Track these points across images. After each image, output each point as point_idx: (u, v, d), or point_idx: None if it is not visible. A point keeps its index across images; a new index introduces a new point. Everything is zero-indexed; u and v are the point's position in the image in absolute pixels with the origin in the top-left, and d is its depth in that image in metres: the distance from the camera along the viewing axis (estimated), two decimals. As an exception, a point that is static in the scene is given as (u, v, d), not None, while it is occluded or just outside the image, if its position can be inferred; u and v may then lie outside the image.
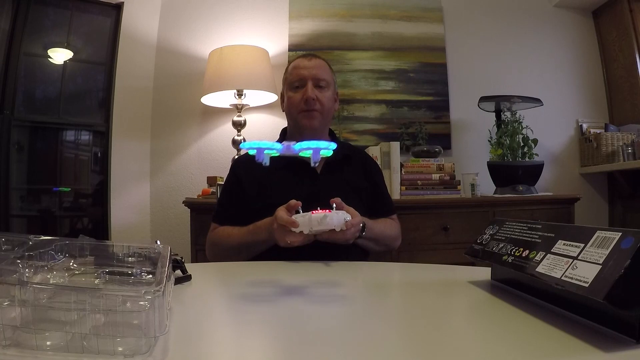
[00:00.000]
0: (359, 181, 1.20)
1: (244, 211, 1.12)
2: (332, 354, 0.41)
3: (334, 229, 0.89)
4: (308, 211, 0.90)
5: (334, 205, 0.91)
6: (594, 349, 0.40)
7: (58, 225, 2.26)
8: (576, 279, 0.43)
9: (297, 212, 0.92)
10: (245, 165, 1.21)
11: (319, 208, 0.90)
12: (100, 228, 2.25)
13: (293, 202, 0.93)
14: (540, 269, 0.49)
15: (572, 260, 0.46)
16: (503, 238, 0.63)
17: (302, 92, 1.14)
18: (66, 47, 2.26)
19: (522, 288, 0.59)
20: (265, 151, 0.56)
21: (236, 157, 1.99)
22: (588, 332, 0.44)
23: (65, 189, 2.17)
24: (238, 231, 1.08)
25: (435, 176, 2.07)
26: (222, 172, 2.20)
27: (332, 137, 1.26)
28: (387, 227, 1.17)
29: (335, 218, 0.88)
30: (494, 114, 2.27)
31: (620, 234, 0.43)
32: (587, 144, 2.44)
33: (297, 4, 2.41)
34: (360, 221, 0.96)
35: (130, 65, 2.29)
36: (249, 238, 1.04)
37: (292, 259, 0.94)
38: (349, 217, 0.90)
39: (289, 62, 1.24)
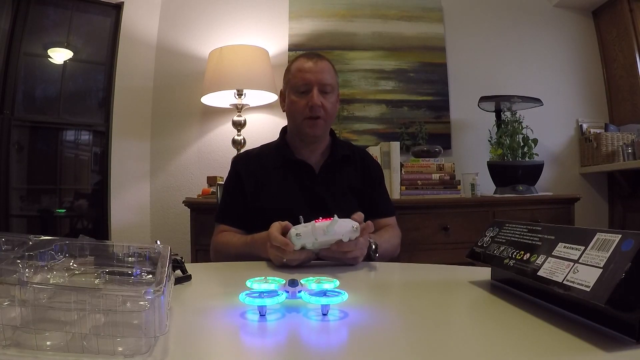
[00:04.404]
0: (358, 182, 1.19)
1: (246, 209, 1.12)
2: (333, 353, 0.41)
3: (341, 241, 0.80)
4: (308, 221, 0.81)
5: (335, 216, 0.81)
6: (594, 348, 0.40)
7: (58, 225, 2.26)
8: (578, 283, 0.43)
9: (299, 222, 0.83)
10: (245, 163, 1.21)
11: (320, 218, 0.81)
12: (100, 228, 2.25)
13: (288, 225, 0.84)
14: (541, 272, 0.49)
15: (573, 263, 0.46)
16: (504, 241, 0.63)
17: (308, 99, 1.12)
18: (66, 47, 2.26)
19: (522, 288, 0.59)
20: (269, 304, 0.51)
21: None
22: (588, 331, 0.44)
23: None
24: (237, 240, 1.06)
25: (435, 176, 2.07)
26: (222, 172, 2.20)
27: (332, 137, 1.25)
28: (391, 239, 1.14)
29: (342, 225, 0.79)
30: (494, 114, 2.27)
31: (620, 236, 0.43)
32: (587, 143, 2.44)
33: (297, 4, 2.41)
34: (366, 238, 0.87)
35: (130, 65, 2.29)
36: (247, 250, 1.00)
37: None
38: (356, 225, 0.81)
39: (292, 61, 1.21)
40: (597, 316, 0.45)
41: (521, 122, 2.19)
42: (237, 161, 1.24)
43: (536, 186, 2.17)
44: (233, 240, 1.07)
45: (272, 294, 0.52)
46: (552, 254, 0.50)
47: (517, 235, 0.61)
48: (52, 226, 2.23)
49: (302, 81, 1.13)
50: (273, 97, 2.18)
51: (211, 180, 2.05)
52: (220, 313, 0.53)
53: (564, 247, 0.49)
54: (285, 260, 0.81)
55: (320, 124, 1.14)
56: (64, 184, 2.26)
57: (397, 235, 1.19)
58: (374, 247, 0.95)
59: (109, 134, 2.25)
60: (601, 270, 0.42)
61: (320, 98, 1.12)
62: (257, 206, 1.10)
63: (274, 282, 0.58)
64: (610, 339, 0.41)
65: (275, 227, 0.85)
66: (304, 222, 0.82)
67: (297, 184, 1.14)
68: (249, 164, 1.20)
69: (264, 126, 2.34)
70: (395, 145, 2.04)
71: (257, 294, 0.52)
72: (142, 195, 2.28)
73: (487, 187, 2.21)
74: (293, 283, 0.56)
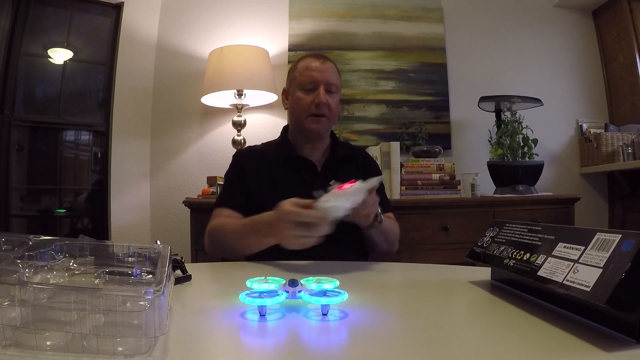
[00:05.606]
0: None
1: (247, 199, 1.12)
2: (333, 353, 0.41)
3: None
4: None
5: (360, 181, 0.84)
6: (594, 348, 0.40)
7: (58, 225, 2.26)
8: (577, 283, 0.43)
9: (314, 198, 0.79)
10: (247, 158, 1.21)
11: (336, 187, 0.81)
12: (100, 228, 2.25)
13: (301, 201, 0.81)
14: (541, 272, 0.49)
15: (573, 263, 0.46)
16: (504, 241, 0.63)
17: (314, 96, 1.13)
18: (66, 47, 2.26)
19: (522, 288, 0.59)
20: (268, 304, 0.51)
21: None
22: (588, 331, 0.44)
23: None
24: (235, 222, 1.02)
25: (435, 176, 2.07)
26: (222, 172, 2.19)
27: (332, 137, 1.26)
28: (392, 223, 1.16)
29: (360, 184, 0.82)
30: (494, 114, 2.27)
31: (620, 236, 0.43)
32: (587, 144, 2.44)
33: (297, 4, 2.41)
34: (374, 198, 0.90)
35: (130, 65, 2.29)
36: (245, 231, 0.96)
37: (293, 258, 0.93)
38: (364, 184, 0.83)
39: (297, 60, 1.23)
40: (597, 316, 0.45)
41: (521, 122, 2.19)
42: (239, 155, 1.24)
43: (536, 186, 2.17)
44: (230, 222, 1.03)
45: (272, 294, 0.52)
46: (552, 254, 0.50)
47: (517, 235, 0.61)
48: (52, 226, 2.23)
49: (309, 79, 1.15)
50: (273, 97, 2.18)
51: (211, 181, 2.05)
52: (220, 313, 0.53)
53: (564, 247, 0.49)
54: (309, 240, 0.77)
55: (324, 121, 1.15)
56: (64, 184, 2.26)
57: (397, 225, 1.19)
58: (379, 214, 0.96)
59: (109, 134, 2.25)
60: (601, 270, 0.42)
61: (326, 96, 1.14)
62: (257, 201, 1.09)
63: (274, 282, 0.58)
64: (610, 339, 0.41)
65: (292, 202, 0.79)
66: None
67: (298, 180, 1.14)
68: (252, 159, 1.20)
69: (264, 126, 2.34)
70: (395, 146, 2.04)
71: (257, 294, 0.52)
72: (142, 195, 2.28)
73: (487, 187, 2.21)
74: (293, 283, 0.57)
